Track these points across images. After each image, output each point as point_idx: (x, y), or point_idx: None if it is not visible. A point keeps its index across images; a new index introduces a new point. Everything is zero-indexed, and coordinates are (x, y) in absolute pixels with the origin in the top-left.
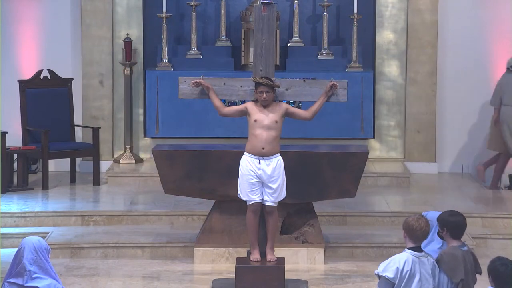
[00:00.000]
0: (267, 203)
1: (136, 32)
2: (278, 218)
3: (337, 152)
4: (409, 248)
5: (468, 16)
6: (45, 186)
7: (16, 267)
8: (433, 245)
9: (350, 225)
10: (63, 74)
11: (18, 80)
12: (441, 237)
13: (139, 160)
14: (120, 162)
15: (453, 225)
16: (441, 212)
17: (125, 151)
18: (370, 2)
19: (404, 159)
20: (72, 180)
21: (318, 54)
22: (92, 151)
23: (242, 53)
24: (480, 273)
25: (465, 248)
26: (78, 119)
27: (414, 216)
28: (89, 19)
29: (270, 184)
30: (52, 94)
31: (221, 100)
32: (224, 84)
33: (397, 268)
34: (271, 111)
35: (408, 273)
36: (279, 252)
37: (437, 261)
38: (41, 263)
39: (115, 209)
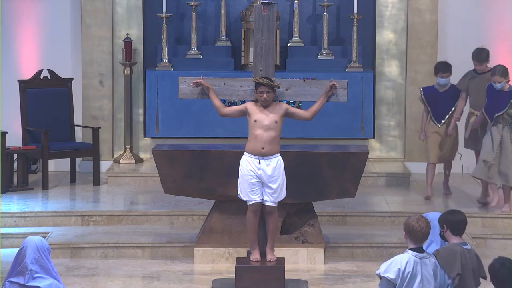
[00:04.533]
0: (267, 203)
1: (136, 32)
2: (278, 218)
3: (337, 152)
4: (410, 249)
5: (468, 16)
6: (45, 186)
7: (18, 266)
8: (433, 247)
9: (350, 225)
10: (63, 74)
11: (18, 80)
12: (443, 237)
13: (139, 160)
14: (120, 162)
15: (453, 221)
16: (441, 213)
17: (125, 151)
18: (370, 2)
19: (404, 159)
20: (72, 180)
21: (318, 54)
22: (92, 151)
23: (242, 53)
24: (485, 277)
25: (467, 247)
26: (78, 119)
27: (415, 216)
28: (89, 19)
29: (270, 184)
30: (52, 94)
31: (221, 100)
32: (224, 84)
33: (399, 269)
34: (271, 111)
35: (409, 274)
36: (279, 252)
37: (434, 256)
38: (43, 263)
39: (115, 209)
